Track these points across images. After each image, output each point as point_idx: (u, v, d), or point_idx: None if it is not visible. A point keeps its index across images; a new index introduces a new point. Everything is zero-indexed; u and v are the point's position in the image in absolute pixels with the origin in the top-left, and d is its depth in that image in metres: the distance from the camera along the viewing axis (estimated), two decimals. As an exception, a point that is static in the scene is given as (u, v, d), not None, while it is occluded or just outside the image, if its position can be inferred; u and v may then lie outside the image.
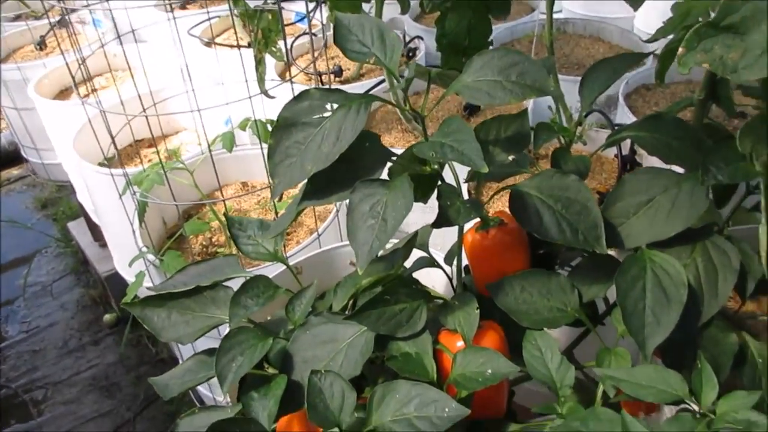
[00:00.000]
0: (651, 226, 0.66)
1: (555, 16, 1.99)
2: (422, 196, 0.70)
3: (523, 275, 0.68)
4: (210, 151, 0.98)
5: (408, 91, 0.64)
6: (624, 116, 1.33)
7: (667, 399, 0.57)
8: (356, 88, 1.47)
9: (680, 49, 0.43)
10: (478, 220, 0.72)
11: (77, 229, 2.22)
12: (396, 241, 0.78)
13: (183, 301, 0.72)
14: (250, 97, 0.93)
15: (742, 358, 0.67)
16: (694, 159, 0.65)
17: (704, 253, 0.65)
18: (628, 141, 1.04)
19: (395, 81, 1.01)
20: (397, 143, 1.38)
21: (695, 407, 0.58)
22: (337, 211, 1.18)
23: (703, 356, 0.62)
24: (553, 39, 1.82)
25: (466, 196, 0.67)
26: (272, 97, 1.17)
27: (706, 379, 0.59)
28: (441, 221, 0.61)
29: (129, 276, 1.31)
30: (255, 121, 1.10)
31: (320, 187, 0.62)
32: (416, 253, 0.81)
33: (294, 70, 1.63)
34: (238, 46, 1.46)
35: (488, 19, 0.74)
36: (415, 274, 0.79)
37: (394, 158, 0.66)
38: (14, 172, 2.80)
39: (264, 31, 1.14)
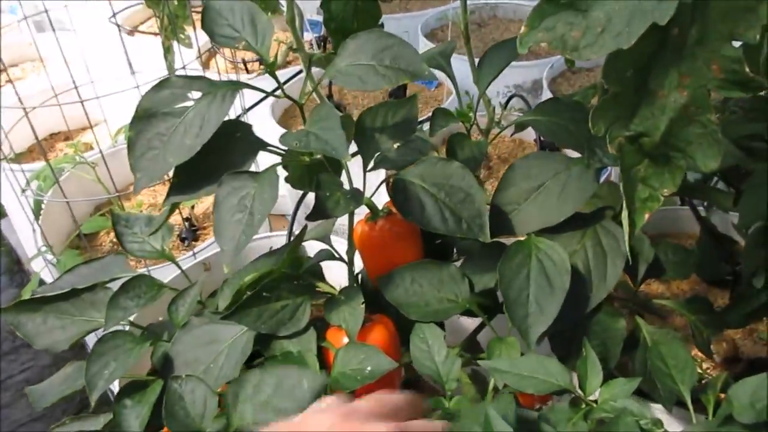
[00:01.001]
0: (541, 212, 0.65)
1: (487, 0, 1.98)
2: (307, 186, 0.68)
3: (413, 266, 0.66)
4: (98, 145, 0.92)
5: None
6: (548, 100, 1.32)
7: (549, 389, 0.56)
8: (282, 75, 1.43)
9: (521, 29, 0.41)
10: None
11: (6, 228, 2.13)
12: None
13: (60, 304, 0.68)
14: (138, 86, 0.88)
15: (634, 343, 0.66)
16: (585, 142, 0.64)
17: (594, 238, 0.64)
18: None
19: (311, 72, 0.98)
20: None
21: (580, 396, 0.57)
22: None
23: (592, 343, 0.61)
24: (484, 24, 1.82)
25: (355, 185, 0.65)
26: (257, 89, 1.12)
27: (590, 366, 0.59)
28: (316, 213, 0.58)
29: (52, 277, 1.26)
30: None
31: (188, 181, 0.59)
32: (318, 246, 0.79)
33: (217, 59, 1.58)
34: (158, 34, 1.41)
35: (375, 1, 0.71)
36: (325, 268, 0.77)
37: (273, 148, 0.63)
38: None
39: (170, 18, 1.09)
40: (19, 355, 1.90)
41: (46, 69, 1.32)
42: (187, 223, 1.15)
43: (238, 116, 1.20)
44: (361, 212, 0.70)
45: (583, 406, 0.57)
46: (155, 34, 1.71)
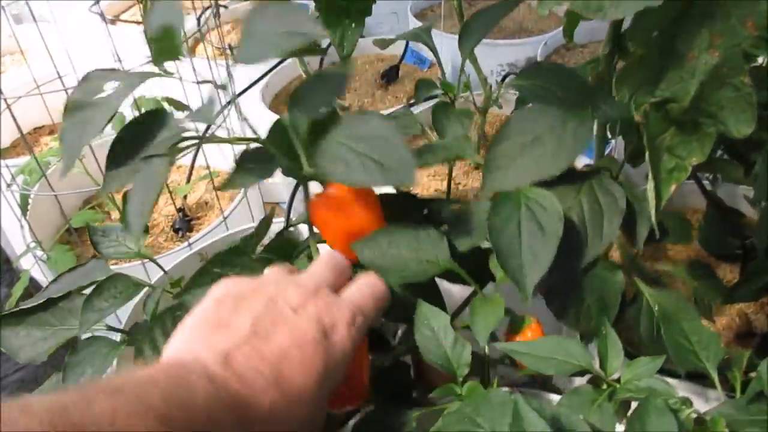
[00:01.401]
0: (536, 166, 0.62)
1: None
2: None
3: (389, 230, 0.62)
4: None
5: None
6: (544, 77, 1.30)
7: (570, 370, 0.54)
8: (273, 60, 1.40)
9: (541, -9, 0.39)
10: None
11: (-7, 226, 2.09)
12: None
13: (40, 315, 0.66)
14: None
15: (635, 306, 0.64)
16: (578, 101, 0.61)
17: (590, 194, 0.62)
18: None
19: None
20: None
21: (601, 376, 0.55)
22: (245, 191, 1.12)
23: (590, 298, 0.59)
24: (472, 3, 1.79)
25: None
26: (170, 74, 1.09)
27: (610, 345, 0.56)
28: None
29: (43, 275, 1.22)
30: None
31: (117, 173, 0.57)
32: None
33: (206, 46, 1.54)
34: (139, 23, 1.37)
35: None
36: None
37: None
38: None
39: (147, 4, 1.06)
40: (11, 355, 1.87)
41: (27, 61, 1.27)
42: (180, 214, 1.12)
43: (228, 102, 1.17)
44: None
45: (605, 386, 0.54)
46: (137, 22, 1.67)
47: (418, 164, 0.59)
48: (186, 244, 0.97)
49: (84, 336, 0.64)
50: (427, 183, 1.11)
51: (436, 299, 0.63)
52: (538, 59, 1.34)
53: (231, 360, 0.41)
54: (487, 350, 0.59)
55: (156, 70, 0.59)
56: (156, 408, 0.34)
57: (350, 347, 0.46)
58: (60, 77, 0.93)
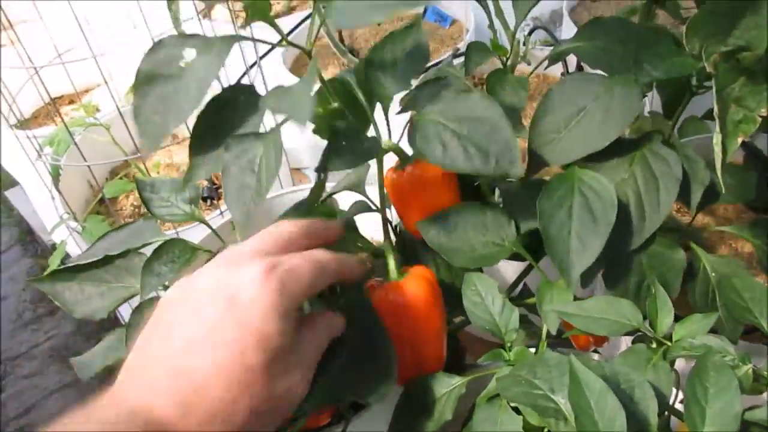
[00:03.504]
0: (583, 139, 0.60)
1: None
2: (329, 138, 0.63)
3: (455, 210, 0.62)
4: (116, 104, 0.88)
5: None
6: (570, 31, 1.27)
7: (622, 330, 0.53)
8: (286, 21, 1.37)
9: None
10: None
11: (16, 197, 2.11)
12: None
13: (95, 272, 0.66)
14: (152, 39, 0.83)
15: (692, 274, 0.63)
16: (627, 64, 0.59)
17: (644, 164, 0.60)
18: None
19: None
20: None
21: (650, 335, 0.55)
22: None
23: (650, 277, 0.58)
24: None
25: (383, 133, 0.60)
26: (259, 40, 1.07)
27: (660, 304, 0.56)
28: (333, 164, 0.54)
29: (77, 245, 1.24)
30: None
31: (200, 147, 0.55)
32: (353, 197, 0.75)
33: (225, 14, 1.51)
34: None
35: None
36: (358, 221, 0.73)
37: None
38: (-58, 142, 2.64)
39: (172, -35, 1.03)
40: (42, 324, 1.91)
41: (48, 30, 1.26)
42: (207, 182, 1.12)
43: (249, 67, 1.15)
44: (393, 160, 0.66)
45: (655, 345, 0.54)
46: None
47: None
48: (218, 212, 0.96)
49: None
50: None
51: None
52: (564, 11, 1.31)
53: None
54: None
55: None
56: None
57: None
58: (88, 44, 0.91)
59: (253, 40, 0.60)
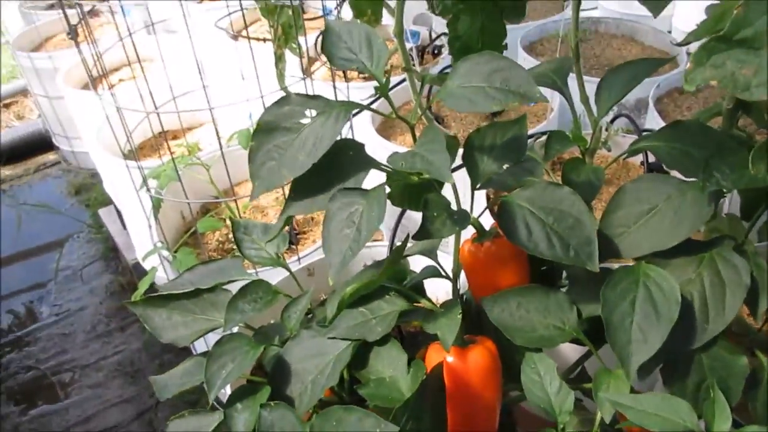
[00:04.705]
0: (652, 236, 0.63)
1: (589, 14, 1.94)
2: (414, 206, 0.68)
3: (519, 290, 0.66)
4: (221, 148, 0.96)
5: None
6: (653, 121, 1.29)
7: (676, 429, 0.54)
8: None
9: (688, 65, 0.40)
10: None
11: (108, 216, 2.26)
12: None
13: (184, 302, 0.72)
14: (262, 96, 0.92)
15: (755, 382, 0.63)
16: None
17: (712, 268, 0.62)
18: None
19: (415, 82, 0.98)
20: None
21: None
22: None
23: (712, 380, 0.58)
24: (584, 39, 1.78)
25: (464, 206, 0.65)
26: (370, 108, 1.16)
27: (718, 409, 0.56)
28: (422, 233, 0.59)
29: (149, 266, 1.33)
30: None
31: (303, 195, 0.61)
32: (425, 262, 0.79)
33: (316, 67, 1.61)
34: (264, 40, 1.45)
35: (502, 21, 0.71)
36: (428, 285, 0.77)
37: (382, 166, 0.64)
38: (50, 157, 2.87)
39: (284, 27, 1.13)
40: (112, 338, 2.01)
41: (165, 71, 1.38)
42: (288, 227, 1.18)
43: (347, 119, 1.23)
44: (467, 230, 0.70)
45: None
46: (258, 39, 1.77)
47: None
48: (296, 258, 1.02)
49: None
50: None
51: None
52: (650, 101, 1.33)
53: None
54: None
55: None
56: None
57: None
58: (171, 89, 1.00)
59: (370, 109, 0.66)
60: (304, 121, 0.60)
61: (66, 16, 0.97)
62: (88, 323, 2.06)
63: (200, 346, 1.23)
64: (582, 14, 1.79)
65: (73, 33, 2.39)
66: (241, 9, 1.02)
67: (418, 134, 0.64)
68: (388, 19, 1.34)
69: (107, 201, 2.34)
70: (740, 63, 0.38)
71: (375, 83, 0.64)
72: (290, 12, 1.13)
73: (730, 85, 0.39)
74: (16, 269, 2.34)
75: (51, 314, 2.11)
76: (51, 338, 2.02)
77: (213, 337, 0.71)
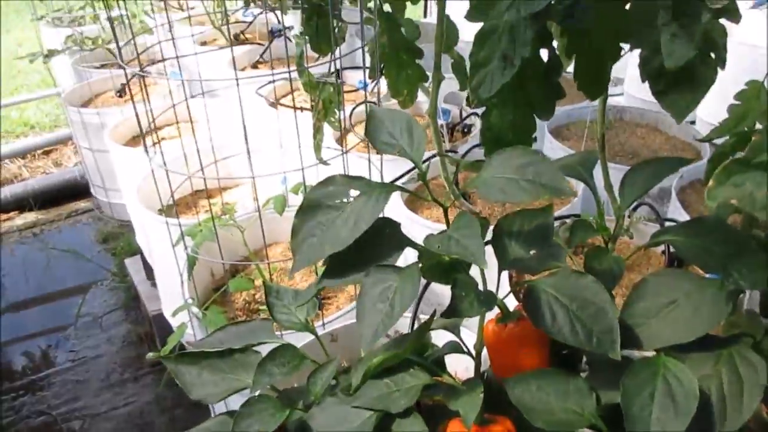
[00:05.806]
0: (672, 329, 0.65)
1: (615, 100, 2.00)
2: (445, 283, 0.72)
3: (540, 373, 0.67)
4: (260, 213, 1.01)
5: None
6: (676, 211, 1.32)
7: None
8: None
9: (710, 182, 0.44)
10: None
11: (133, 265, 2.31)
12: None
13: (215, 361, 0.75)
14: (302, 168, 0.97)
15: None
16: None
17: (730, 365, 0.63)
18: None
19: (446, 164, 1.03)
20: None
21: None
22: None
23: None
24: (610, 126, 1.84)
25: (490, 287, 0.68)
26: (327, 164, 1.22)
27: None
28: (450, 311, 0.62)
29: (173, 320, 1.36)
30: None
31: (338, 269, 0.65)
32: (447, 336, 0.81)
33: (352, 140, 1.68)
34: (302, 109, 1.52)
35: (532, 117, 0.76)
36: (448, 358, 0.79)
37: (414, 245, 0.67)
38: (82, 204, 2.96)
39: (325, 102, 1.20)
40: (125, 388, 2.01)
41: (197, 132, 1.45)
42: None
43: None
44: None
45: None
46: (296, 108, 1.86)
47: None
48: (320, 323, 1.05)
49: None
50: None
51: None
52: (672, 191, 1.36)
53: None
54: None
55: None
56: None
57: None
58: (213, 151, 1.06)
59: (409, 191, 0.71)
60: (347, 200, 0.64)
61: (126, 75, 1.04)
62: (102, 371, 2.08)
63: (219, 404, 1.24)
64: (608, 103, 1.86)
65: (122, 92, 2.53)
66: (290, 79, 1.08)
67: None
68: (421, 96, 1.41)
69: (134, 251, 2.39)
70: (758, 184, 0.42)
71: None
72: (332, 89, 1.20)
73: (749, 205, 0.42)
74: (38, 312, 2.39)
75: (67, 360, 2.13)
76: (65, 384, 2.03)
77: (234, 397, 0.74)
